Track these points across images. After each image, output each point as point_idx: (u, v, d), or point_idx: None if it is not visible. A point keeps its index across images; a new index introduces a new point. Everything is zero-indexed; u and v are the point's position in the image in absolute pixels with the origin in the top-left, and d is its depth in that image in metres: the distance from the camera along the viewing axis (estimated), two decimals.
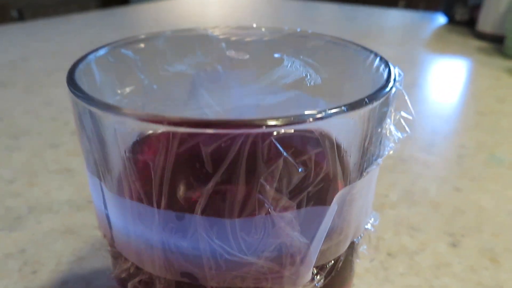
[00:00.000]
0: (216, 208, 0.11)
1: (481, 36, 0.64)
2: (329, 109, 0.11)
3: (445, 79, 0.51)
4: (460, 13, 0.70)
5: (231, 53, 0.17)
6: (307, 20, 0.82)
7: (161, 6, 0.91)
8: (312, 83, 0.15)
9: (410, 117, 0.14)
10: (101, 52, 0.16)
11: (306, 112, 0.10)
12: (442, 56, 0.60)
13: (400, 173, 0.31)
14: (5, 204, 0.28)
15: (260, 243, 0.12)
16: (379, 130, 0.13)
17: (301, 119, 0.10)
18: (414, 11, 0.89)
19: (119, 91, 0.18)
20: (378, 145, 0.13)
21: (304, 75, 0.15)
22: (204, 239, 0.12)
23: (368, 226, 0.15)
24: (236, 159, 0.10)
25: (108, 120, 0.11)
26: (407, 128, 0.13)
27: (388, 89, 0.13)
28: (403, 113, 0.14)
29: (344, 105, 0.11)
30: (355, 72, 0.16)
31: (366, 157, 0.13)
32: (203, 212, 0.11)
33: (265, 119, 0.10)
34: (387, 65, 0.14)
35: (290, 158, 0.11)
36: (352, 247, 0.14)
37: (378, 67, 0.14)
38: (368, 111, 0.12)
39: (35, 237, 0.25)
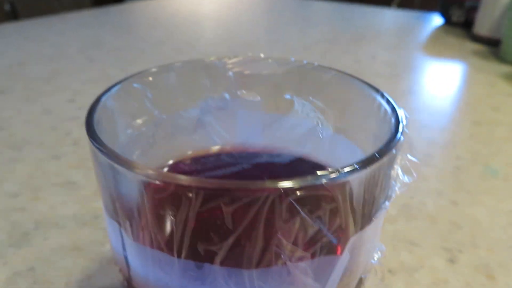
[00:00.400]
0: (234, 259, 0.12)
1: (477, 39, 0.64)
2: (342, 168, 0.11)
3: (441, 86, 0.52)
4: (457, 15, 0.70)
5: (242, 93, 0.17)
6: (302, 19, 0.83)
7: (157, 3, 0.90)
8: (324, 134, 0.16)
9: (417, 161, 0.14)
10: (114, 89, 0.17)
11: (319, 173, 0.11)
12: (438, 59, 0.61)
13: None
14: (11, 219, 0.28)
15: None
16: (388, 174, 0.14)
17: (317, 181, 0.11)
18: (410, 10, 0.89)
19: (131, 124, 0.18)
20: (387, 189, 0.14)
21: (315, 124, 0.16)
22: (222, 287, 0.12)
23: (375, 259, 0.16)
24: (255, 218, 0.11)
25: (129, 176, 0.12)
26: (414, 173, 0.14)
27: (397, 139, 0.13)
28: (409, 156, 0.14)
29: (357, 163, 0.12)
30: (361, 112, 0.16)
31: (376, 203, 0.13)
32: (222, 263, 0.12)
33: (282, 182, 0.11)
34: (394, 109, 0.15)
35: (306, 216, 0.11)
36: (360, 283, 0.15)
37: (385, 111, 0.15)
38: (379, 164, 0.12)
39: (43, 254, 0.25)
